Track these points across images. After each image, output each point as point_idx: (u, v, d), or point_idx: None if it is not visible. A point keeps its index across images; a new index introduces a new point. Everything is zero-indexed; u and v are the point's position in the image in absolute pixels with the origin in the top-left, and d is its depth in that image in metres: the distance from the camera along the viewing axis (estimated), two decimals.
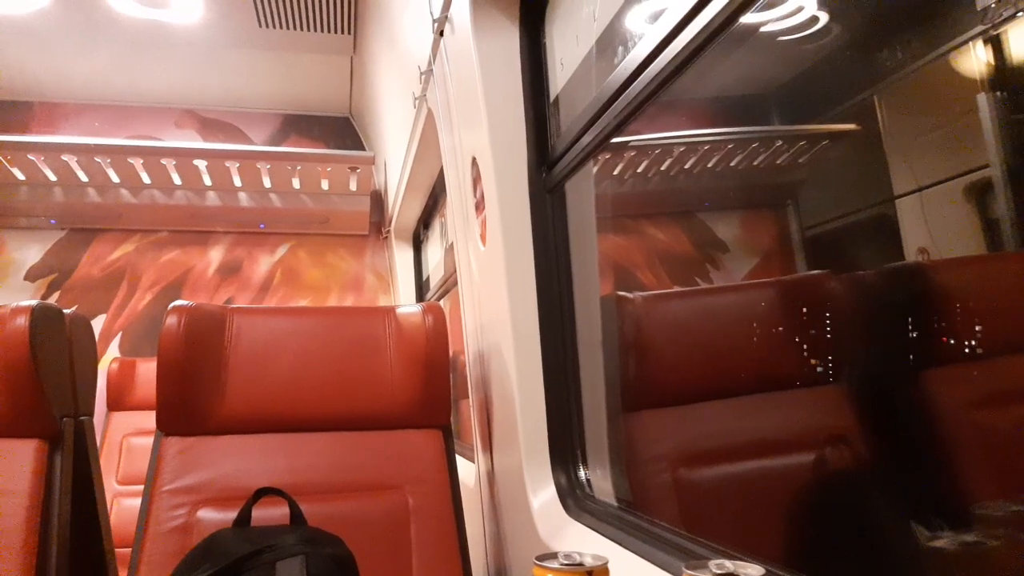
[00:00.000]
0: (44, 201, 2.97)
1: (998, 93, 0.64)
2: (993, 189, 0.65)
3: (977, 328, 0.81)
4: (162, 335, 1.24)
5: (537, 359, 1.29)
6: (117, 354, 3.11)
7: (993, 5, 0.62)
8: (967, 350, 0.79)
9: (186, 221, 3.24)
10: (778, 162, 1.17)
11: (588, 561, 0.66)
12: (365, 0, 2.47)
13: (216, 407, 1.27)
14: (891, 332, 0.84)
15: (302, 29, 2.69)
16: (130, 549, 1.16)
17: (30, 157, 2.75)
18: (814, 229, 1.06)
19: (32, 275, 3.10)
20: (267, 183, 3.07)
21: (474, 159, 1.43)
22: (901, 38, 0.74)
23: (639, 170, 1.67)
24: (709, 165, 1.45)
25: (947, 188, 0.72)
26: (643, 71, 0.96)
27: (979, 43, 0.65)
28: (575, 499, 1.22)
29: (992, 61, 0.64)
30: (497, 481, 1.46)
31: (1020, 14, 0.60)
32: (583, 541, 1.07)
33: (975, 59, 0.66)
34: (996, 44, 0.63)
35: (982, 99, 0.65)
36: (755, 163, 1.26)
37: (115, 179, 2.95)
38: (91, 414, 1.36)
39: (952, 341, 0.82)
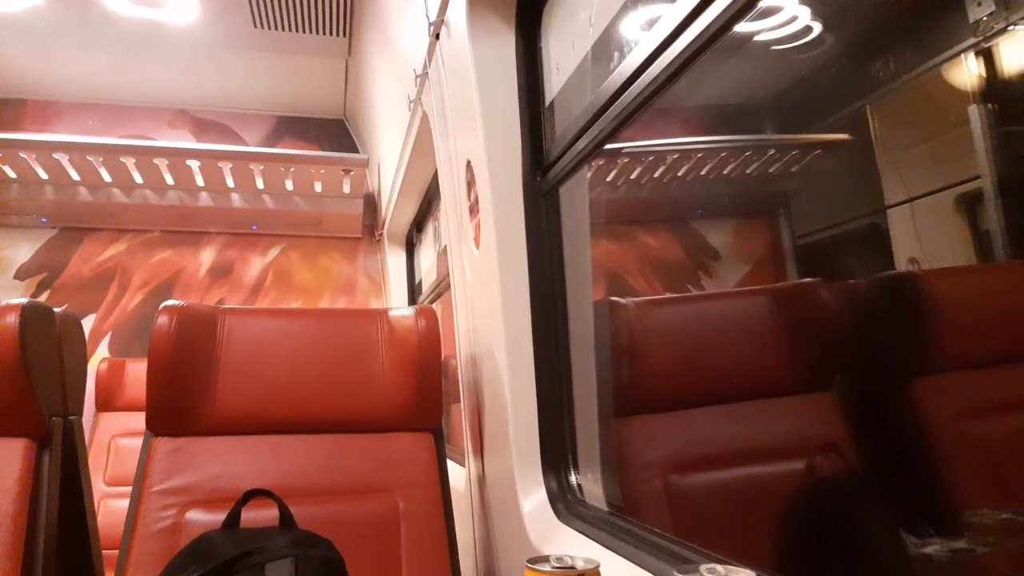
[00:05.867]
0: (35, 199, 2.95)
1: (989, 105, 0.64)
2: (984, 200, 0.66)
3: (966, 337, 0.82)
4: (153, 335, 1.23)
5: (529, 363, 1.29)
6: (106, 354, 3.09)
7: (985, 18, 0.62)
8: (956, 359, 0.80)
9: (178, 221, 3.22)
10: (771, 171, 1.17)
11: (580, 564, 0.66)
12: (361, 3, 2.47)
13: (207, 408, 1.26)
14: (881, 341, 0.85)
15: (297, 31, 2.69)
16: (117, 551, 1.15)
17: (22, 155, 2.73)
18: (806, 238, 1.06)
19: (22, 274, 3.08)
20: (260, 184, 3.06)
21: (468, 163, 1.43)
22: (894, 49, 0.75)
23: (632, 177, 1.67)
24: (702, 173, 1.46)
25: (938, 199, 0.73)
26: (638, 77, 0.96)
27: (971, 55, 0.65)
28: (566, 504, 1.22)
29: (984, 73, 0.65)
30: (488, 485, 1.46)
31: (1011, 27, 0.61)
32: (574, 545, 1.07)
33: (967, 71, 0.66)
34: (988, 57, 0.64)
35: (973, 111, 0.66)
36: (748, 171, 1.27)
37: (107, 178, 2.94)
38: (80, 413, 1.35)
39: (941, 350, 0.83)
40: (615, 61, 1.08)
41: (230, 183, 3.06)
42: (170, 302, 1.28)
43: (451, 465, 1.52)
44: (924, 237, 0.75)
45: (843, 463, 0.90)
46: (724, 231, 1.37)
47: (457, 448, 1.85)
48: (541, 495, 1.25)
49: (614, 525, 1.06)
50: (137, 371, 2.87)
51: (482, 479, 1.50)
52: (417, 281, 3.35)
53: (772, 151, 1.16)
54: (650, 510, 1.09)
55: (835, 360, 0.96)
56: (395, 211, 2.98)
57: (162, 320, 1.25)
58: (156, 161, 2.87)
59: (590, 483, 1.25)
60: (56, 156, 2.76)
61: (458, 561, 1.26)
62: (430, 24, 1.55)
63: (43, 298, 3.06)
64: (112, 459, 2.72)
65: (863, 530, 0.82)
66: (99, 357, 3.01)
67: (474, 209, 1.43)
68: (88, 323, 3.09)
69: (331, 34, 2.72)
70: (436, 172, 1.81)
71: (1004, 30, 0.62)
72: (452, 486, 1.33)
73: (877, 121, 0.81)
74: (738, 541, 0.95)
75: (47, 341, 1.25)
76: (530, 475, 1.26)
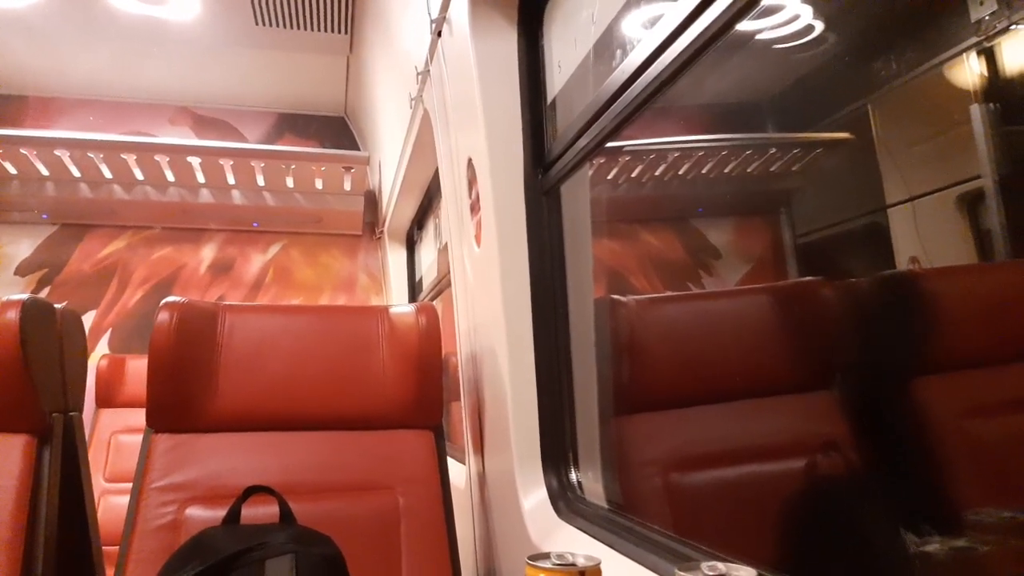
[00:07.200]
0: (36, 195, 2.95)
1: (991, 104, 0.64)
2: (985, 199, 0.66)
3: (967, 336, 0.82)
4: (154, 331, 1.23)
5: (530, 361, 1.29)
6: (106, 351, 3.09)
7: (987, 17, 0.62)
8: (957, 358, 0.80)
9: (179, 218, 3.22)
10: (772, 169, 1.17)
11: (580, 561, 0.67)
12: (363, 0, 2.47)
13: (207, 404, 1.26)
14: (882, 339, 0.85)
15: (299, 28, 2.68)
16: (117, 547, 1.15)
17: (23, 151, 2.73)
18: (807, 236, 1.06)
19: (22, 270, 3.08)
20: (261, 181, 3.06)
21: (470, 160, 1.43)
22: (895, 48, 0.75)
23: (633, 175, 1.67)
24: (703, 171, 1.46)
25: (939, 198, 0.73)
26: (640, 75, 0.96)
27: (973, 55, 0.65)
28: (566, 501, 1.22)
29: (986, 73, 0.65)
30: (488, 483, 1.46)
31: (1013, 26, 0.61)
32: (574, 543, 1.07)
33: (969, 70, 0.66)
34: (990, 56, 0.64)
35: (975, 110, 0.66)
36: (749, 170, 1.27)
37: (108, 175, 2.94)
38: (80, 410, 1.35)
39: (942, 349, 0.83)
40: (617, 59, 1.08)
41: (231, 180, 3.06)
42: (171, 298, 1.28)
43: (451, 463, 1.52)
44: (925, 236, 0.75)
45: (844, 462, 0.90)
46: (725, 230, 1.37)
47: (457, 445, 1.85)
48: (541, 493, 1.25)
49: (615, 523, 1.06)
50: (137, 368, 2.88)
51: (482, 477, 1.50)
52: (417, 279, 3.35)
53: (773, 150, 1.16)
54: (651, 508, 1.09)
55: (836, 359, 0.96)
56: (396, 208, 2.98)
57: (163, 316, 1.25)
58: (157, 158, 2.87)
59: (590, 481, 1.25)
60: (57, 152, 2.76)
61: (458, 558, 1.26)
62: (432, 21, 1.55)
63: (43, 294, 3.06)
64: (112, 455, 2.72)
65: (864, 528, 0.82)
66: (99, 354, 3.01)
67: (475, 207, 1.43)
68: (88, 320, 3.09)
69: (332, 31, 2.71)
70: (437, 170, 1.81)
71: (1006, 29, 0.62)
72: (452, 483, 1.33)
73: (878, 120, 0.81)
74: (739, 539, 0.95)
75: (48, 337, 1.25)
76: (530, 473, 1.26)
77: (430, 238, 3.04)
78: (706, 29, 0.80)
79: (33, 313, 1.19)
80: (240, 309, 1.37)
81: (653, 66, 0.92)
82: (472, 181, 1.44)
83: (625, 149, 1.62)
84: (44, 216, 3.11)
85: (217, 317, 1.33)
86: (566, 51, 1.29)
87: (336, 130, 3.57)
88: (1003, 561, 0.63)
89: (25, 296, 1.19)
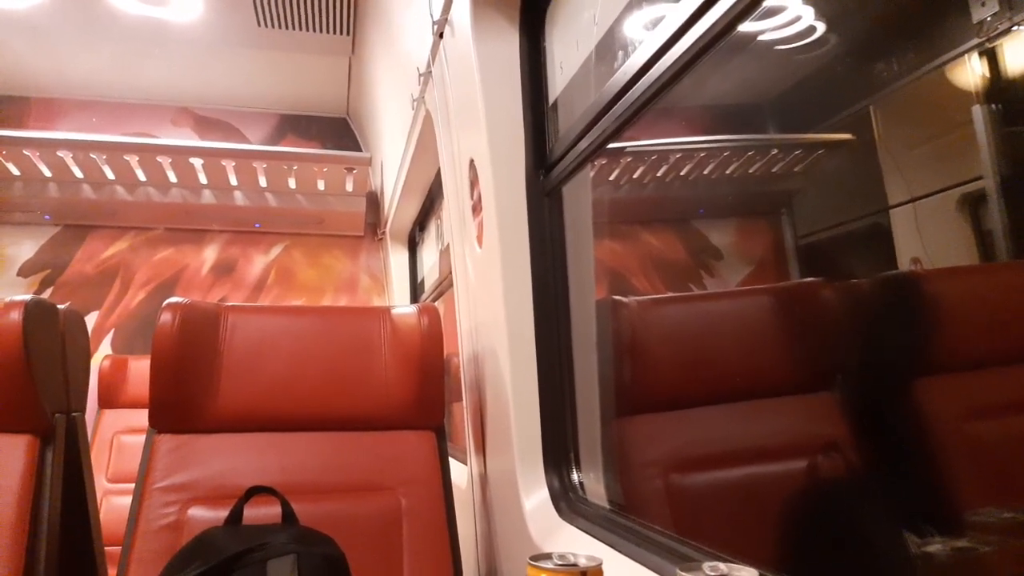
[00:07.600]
0: (39, 197, 2.96)
1: (993, 105, 0.64)
2: (987, 200, 0.66)
3: (969, 338, 0.82)
4: (156, 331, 1.24)
5: (532, 361, 1.29)
6: (109, 351, 3.10)
7: (989, 18, 0.62)
8: (958, 359, 0.80)
9: (181, 219, 3.23)
10: (773, 171, 1.17)
11: (582, 562, 0.67)
12: (364, 1, 2.48)
13: (209, 405, 1.27)
14: (883, 341, 0.85)
15: (301, 29, 2.69)
16: (119, 547, 1.16)
17: (25, 152, 2.74)
18: (808, 237, 1.06)
19: (25, 271, 3.09)
20: (263, 182, 3.07)
21: (472, 161, 1.44)
22: (897, 49, 0.75)
23: (635, 176, 1.67)
24: (705, 172, 1.46)
25: (941, 199, 0.73)
26: (641, 77, 0.96)
27: (975, 56, 0.65)
28: (568, 502, 1.22)
29: (987, 74, 0.65)
30: (489, 483, 1.46)
31: (1015, 28, 0.61)
32: (576, 543, 1.07)
33: (971, 71, 0.66)
34: (991, 57, 0.64)
35: (977, 111, 0.66)
36: (751, 171, 1.27)
37: (110, 176, 2.94)
38: (83, 410, 1.35)
39: (943, 350, 0.83)
40: (619, 60, 1.09)
41: (233, 181, 3.06)
42: (173, 299, 1.29)
43: (453, 463, 1.53)
44: (927, 237, 0.75)
45: (845, 463, 0.90)
46: (727, 231, 1.37)
47: (459, 446, 1.85)
48: (543, 493, 1.25)
49: (616, 523, 1.06)
50: (139, 368, 2.88)
51: (484, 477, 1.50)
52: (419, 280, 3.35)
53: (775, 151, 1.16)
54: (652, 509, 1.09)
55: (837, 360, 0.96)
56: (398, 209, 2.98)
57: (165, 317, 1.25)
58: (159, 159, 2.87)
59: (592, 481, 1.25)
60: (60, 153, 2.77)
61: (460, 559, 1.26)
62: (434, 23, 1.55)
63: (46, 295, 3.06)
64: (114, 456, 2.72)
65: (865, 529, 0.82)
66: (102, 354, 3.02)
67: (477, 208, 1.43)
68: (91, 320, 3.10)
69: (334, 32, 2.72)
70: (439, 171, 1.81)
71: (1008, 30, 0.62)
72: (454, 484, 1.33)
73: (880, 121, 0.81)
74: (740, 540, 0.95)
75: (50, 338, 1.25)
76: (532, 473, 1.27)
77: (432, 239, 3.04)
78: (708, 30, 0.80)
79: (36, 314, 1.19)
80: (242, 310, 1.37)
81: (655, 67, 0.92)
82: (474, 182, 1.44)
83: (627, 150, 1.62)
84: (47, 217, 3.11)
85: (219, 318, 1.33)
86: (568, 52, 1.29)
87: (338, 131, 3.58)
88: (1004, 561, 0.63)
89: (28, 297, 1.20)
